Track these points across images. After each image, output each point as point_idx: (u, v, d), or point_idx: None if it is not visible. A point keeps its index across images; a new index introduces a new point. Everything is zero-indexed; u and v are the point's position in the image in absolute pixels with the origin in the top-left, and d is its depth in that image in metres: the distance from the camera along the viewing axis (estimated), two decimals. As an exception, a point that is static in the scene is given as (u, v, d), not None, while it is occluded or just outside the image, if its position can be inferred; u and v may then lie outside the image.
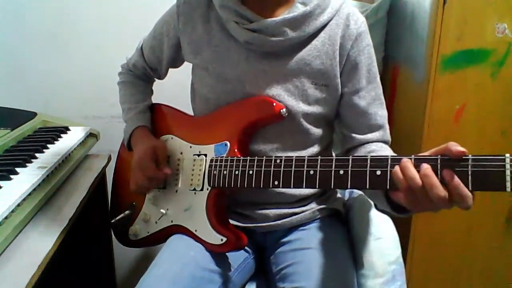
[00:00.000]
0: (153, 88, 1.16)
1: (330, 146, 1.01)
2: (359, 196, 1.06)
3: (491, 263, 1.22)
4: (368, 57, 0.90)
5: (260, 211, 0.93)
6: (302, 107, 0.89)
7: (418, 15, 1.16)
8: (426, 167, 0.61)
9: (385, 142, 0.93)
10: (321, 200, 0.98)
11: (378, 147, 0.89)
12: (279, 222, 0.93)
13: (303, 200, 0.95)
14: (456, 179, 0.59)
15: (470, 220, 1.19)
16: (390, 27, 1.34)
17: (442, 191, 0.59)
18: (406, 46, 1.26)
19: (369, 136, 0.91)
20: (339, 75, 0.90)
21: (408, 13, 1.23)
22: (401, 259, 0.92)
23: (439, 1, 1.04)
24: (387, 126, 0.93)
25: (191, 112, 1.05)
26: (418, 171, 0.61)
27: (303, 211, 0.95)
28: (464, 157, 0.60)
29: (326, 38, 0.88)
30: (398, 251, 0.92)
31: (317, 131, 0.93)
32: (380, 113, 0.92)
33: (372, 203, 1.01)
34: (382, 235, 0.92)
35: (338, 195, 1.07)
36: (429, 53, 1.08)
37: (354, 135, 0.92)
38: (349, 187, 0.70)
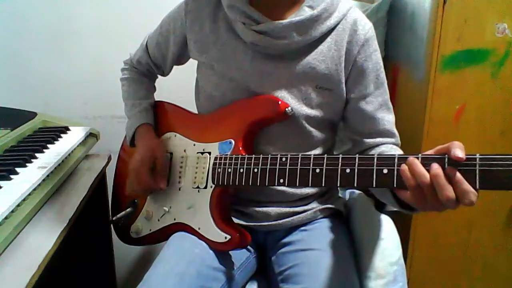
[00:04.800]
0: (156, 85, 1.16)
1: (332, 149, 1.01)
2: (359, 197, 1.06)
3: (492, 262, 1.22)
4: (376, 62, 0.90)
5: (260, 209, 0.93)
6: (305, 110, 0.89)
7: (418, 15, 1.16)
8: (436, 167, 0.60)
9: (396, 145, 0.92)
10: (322, 200, 0.98)
11: (388, 148, 0.88)
12: (280, 221, 0.93)
13: (304, 199, 0.95)
14: (459, 175, 0.59)
15: (470, 220, 1.19)
16: (390, 27, 1.34)
17: (451, 191, 0.59)
18: (406, 46, 1.26)
19: (378, 139, 0.91)
20: (343, 80, 0.89)
21: (408, 13, 1.23)
22: (402, 260, 0.92)
23: (439, 1, 1.04)
24: (396, 131, 0.93)
25: (194, 110, 1.05)
26: (427, 170, 0.61)
27: (304, 211, 0.94)
28: (471, 156, 0.59)
29: (332, 43, 0.88)
30: (399, 251, 0.92)
31: (319, 134, 0.93)
32: (387, 118, 0.91)
33: (372, 203, 1.01)
34: (383, 235, 0.92)
35: (339, 195, 1.06)
36: (429, 53, 1.08)
37: (364, 139, 0.91)
38: (355, 185, 0.70)
